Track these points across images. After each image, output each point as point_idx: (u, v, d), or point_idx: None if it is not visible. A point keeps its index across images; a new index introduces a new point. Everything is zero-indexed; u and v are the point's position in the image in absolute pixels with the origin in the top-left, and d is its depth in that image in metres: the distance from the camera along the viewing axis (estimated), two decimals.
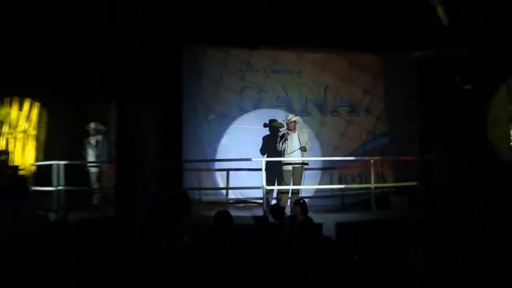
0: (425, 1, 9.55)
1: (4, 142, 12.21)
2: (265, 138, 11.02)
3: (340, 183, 10.82)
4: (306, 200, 10.11)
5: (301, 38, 10.72)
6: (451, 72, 10.84)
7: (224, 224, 6.54)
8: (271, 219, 7.71)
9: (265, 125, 11.11)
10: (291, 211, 8.39)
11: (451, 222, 8.43)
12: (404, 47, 10.78)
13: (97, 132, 10.91)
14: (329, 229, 8.36)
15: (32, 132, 12.32)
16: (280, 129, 10.44)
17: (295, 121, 9.95)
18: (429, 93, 11.06)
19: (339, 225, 8.48)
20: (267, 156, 10.38)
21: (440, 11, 9.78)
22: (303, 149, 9.77)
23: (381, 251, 5.97)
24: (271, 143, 10.55)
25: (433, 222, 8.48)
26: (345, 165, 10.93)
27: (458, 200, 9.34)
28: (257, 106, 11.26)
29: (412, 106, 11.45)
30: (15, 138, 12.28)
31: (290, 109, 11.05)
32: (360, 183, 10.69)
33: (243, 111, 11.24)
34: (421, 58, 10.58)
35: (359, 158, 10.74)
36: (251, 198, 10.49)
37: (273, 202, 9.63)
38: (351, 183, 10.81)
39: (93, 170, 10.91)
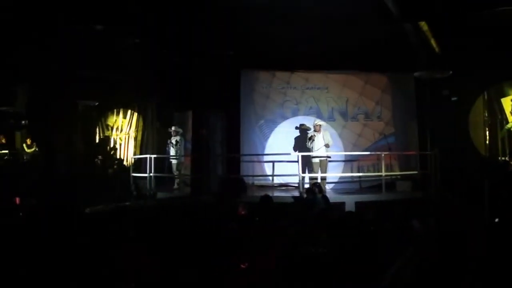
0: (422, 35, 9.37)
1: (112, 141, 12.55)
2: (296, 138, 10.85)
3: (358, 171, 10.62)
4: (332, 184, 10.21)
5: (327, 63, 10.62)
6: (441, 87, 10.57)
7: (266, 203, 6.65)
8: (308, 196, 7.71)
9: (296, 128, 10.96)
10: (311, 190, 8.20)
11: (441, 200, 8.27)
12: (405, 68, 10.53)
13: (177, 133, 10.85)
14: (350, 207, 8.36)
15: (132, 134, 12.61)
16: (307, 131, 10.29)
17: (320, 125, 9.79)
18: (425, 103, 10.79)
19: (357, 204, 8.48)
20: (298, 152, 10.25)
21: (433, 42, 9.58)
22: (327, 145, 9.57)
23: (390, 223, 5.88)
24: (301, 142, 10.40)
25: (429, 200, 8.38)
26: (362, 158, 10.75)
27: (447, 184, 9.11)
28: (295, 114, 11.22)
29: (412, 113, 11.19)
30: (120, 138, 12.59)
31: (320, 117, 10.88)
32: (374, 171, 10.45)
33: (284, 118, 11.23)
34: (418, 76, 10.32)
35: (372, 153, 10.56)
36: (290, 183, 10.32)
37: (306, 186, 9.44)
38: (366, 172, 10.58)
39: (174, 161, 10.92)
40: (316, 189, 7.80)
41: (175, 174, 10.81)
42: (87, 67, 9.70)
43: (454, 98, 10.69)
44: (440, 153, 9.49)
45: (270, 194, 7.73)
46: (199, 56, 9.93)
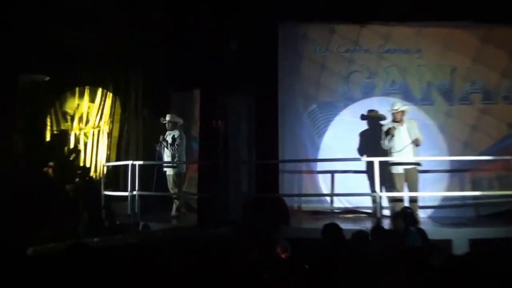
0: None
1: (73, 139, 12.57)
2: (363, 134, 10.97)
3: (473, 189, 10.40)
4: (429, 210, 10.37)
5: (420, 10, 10.51)
6: None
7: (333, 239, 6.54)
8: (396, 229, 7.54)
9: (362, 117, 11.04)
10: (395, 220, 8.28)
11: None
12: None
13: (174, 126, 10.98)
14: (460, 247, 8.11)
15: (104, 127, 12.63)
16: (380, 121, 10.42)
17: (403, 111, 9.70)
18: None
19: (473, 242, 8.29)
20: (367, 156, 10.24)
21: None
22: (415, 143, 9.48)
23: None
24: (371, 140, 10.46)
25: None
26: (480, 166, 10.50)
27: None
28: (367, 93, 11.16)
29: None
30: (85, 135, 12.65)
31: (408, 97, 10.90)
32: (499, 189, 10.24)
33: (350, 100, 11.19)
34: None
35: (497, 157, 10.27)
36: (361, 208, 10.40)
37: (384, 212, 9.50)
38: (487, 189, 10.37)
39: (170, 171, 10.96)
40: (408, 219, 7.66)
41: (172, 192, 10.88)
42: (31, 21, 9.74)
43: None
44: None
45: None
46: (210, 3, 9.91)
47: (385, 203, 9.63)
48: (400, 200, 9.39)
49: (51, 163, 10.87)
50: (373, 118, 10.83)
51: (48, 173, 10.70)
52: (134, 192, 10.15)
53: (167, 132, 10.94)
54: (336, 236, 6.61)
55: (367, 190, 10.12)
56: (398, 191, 9.52)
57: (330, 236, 6.58)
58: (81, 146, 12.48)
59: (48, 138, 12.06)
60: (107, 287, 4.70)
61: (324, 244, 6.48)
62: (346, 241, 6.62)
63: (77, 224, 8.86)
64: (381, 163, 9.35)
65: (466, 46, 11.08)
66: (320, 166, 10.85)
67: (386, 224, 8.84)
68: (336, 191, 10.65)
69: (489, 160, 10.38)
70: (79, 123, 12.66)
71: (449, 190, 10.51)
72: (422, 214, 9.72)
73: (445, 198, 10.42)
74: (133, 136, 12.41)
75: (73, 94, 12.70)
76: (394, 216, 8.23)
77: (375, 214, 9.33)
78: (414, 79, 11.09)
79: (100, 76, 12.51)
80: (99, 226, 8.88)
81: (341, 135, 11.00)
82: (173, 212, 10.72)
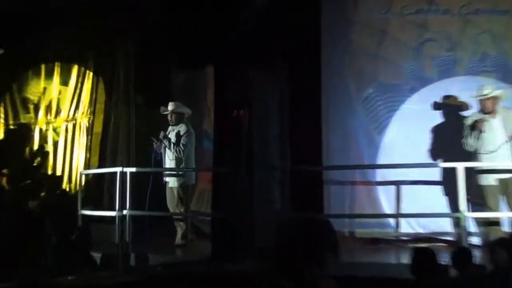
0: None
1: (38, 137, 12.52)
2: (436, 130, 10.82)
3: None
4: None
5: None
6: None
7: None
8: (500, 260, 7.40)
9: (435, 106, 10.86)
10: (493, 251, 7.84)
11: None
12: None
13: (179, 118, 10.94)
14: None
15: (82, 120, 12.56)
16: (460, 111, 10.39)
17: (495, 98, 9.49)
18: None
19: None
20: (443, 160, 10.18)
21: None
22: None
23: None
24: (450, 137, 10.34)
25: None
26: None
27: None
28: (447, 72, 11.00)
29: None
30: (55, 131, 12.60)
31: (506, 77, 10.64)
32: None
33: (423, 80, 11.08)
34: None
35: None
36: (438, 234, 10.30)
37: (472, 240, 9.42)
38: None
39: (174, 182, 10.85)
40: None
41: (176, 211, 10.92)
42: None
43: None
44: None
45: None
46: None
47: (472, 227, 9.56)
48: (495, 223, 9.21)
49: (5, 171, 10.88)
50: (451, 107, 10.68)
51: (1, 184, 10.69)
52: (125, 212, 10.05)
53: (170, 127, 10.88)
54: (431, 266, 6.48)
55: (446, 209, 10.00)
56: (491, 209, 9.30)
57: (423, 266, 6.44)
58: (49, 147, 12.49)
59: (1, 135, 12.08)
60: None
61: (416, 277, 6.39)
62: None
63: (41, 256, 8.75)
64: (466, 170, 9.13)
65: None
66: (381, 175, 10.82)
67: (477, 257, 8.59)
68: (404, 210, 10.53)
69: None
70: (46, 115, 12.70)
71: None
72: None
73: None
74: (123, 132, 12.32)
75: (38, 74, 12.71)
76: (493, 245, 8.02)
77: (459, 243, 9.00)
78: None
79: (75, 48, 12.45)
80: (73, 258, 8.79)
81: (409, 131, 10.90)
82: (178, 239, 10.68)
